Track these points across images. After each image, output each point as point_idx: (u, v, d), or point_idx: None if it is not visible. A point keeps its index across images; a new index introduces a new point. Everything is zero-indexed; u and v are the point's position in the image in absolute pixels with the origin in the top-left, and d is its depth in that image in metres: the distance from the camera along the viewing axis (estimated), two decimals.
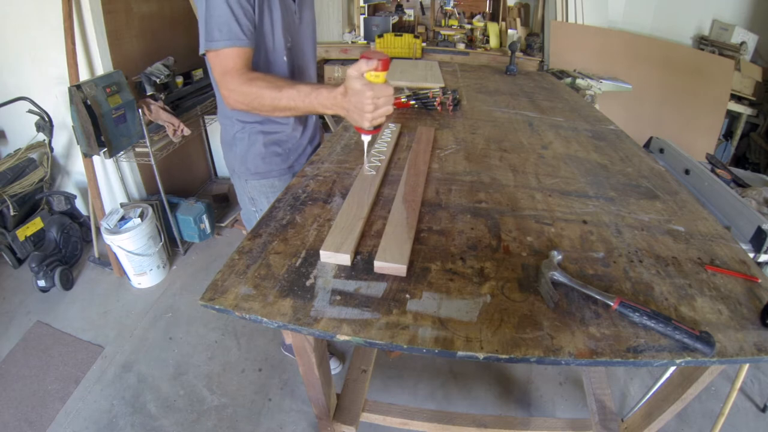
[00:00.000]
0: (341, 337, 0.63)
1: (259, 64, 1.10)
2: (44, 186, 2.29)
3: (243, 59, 0.98)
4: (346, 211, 0.90)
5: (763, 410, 1.68)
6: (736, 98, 3.20)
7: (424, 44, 3.08)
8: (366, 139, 0.98)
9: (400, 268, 0.75)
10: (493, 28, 3.17)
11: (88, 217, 2.41)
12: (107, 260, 2.34)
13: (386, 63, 0.85)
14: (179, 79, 2.47)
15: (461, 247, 0.82)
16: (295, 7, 1.16)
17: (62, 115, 2.25)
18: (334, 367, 1.82)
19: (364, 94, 0.84)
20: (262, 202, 1.29)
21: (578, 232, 0.89)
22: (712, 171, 1.68)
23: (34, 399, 1.68)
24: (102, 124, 1.94)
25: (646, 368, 1.79)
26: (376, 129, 0.94)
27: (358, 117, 0.88)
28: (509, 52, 2.39)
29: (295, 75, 1.22)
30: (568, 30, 3.08)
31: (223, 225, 2.73)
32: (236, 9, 0.96)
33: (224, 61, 0.98)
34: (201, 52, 1.00)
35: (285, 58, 1.15)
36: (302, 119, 1.32)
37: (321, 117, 3.62)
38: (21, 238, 2.16)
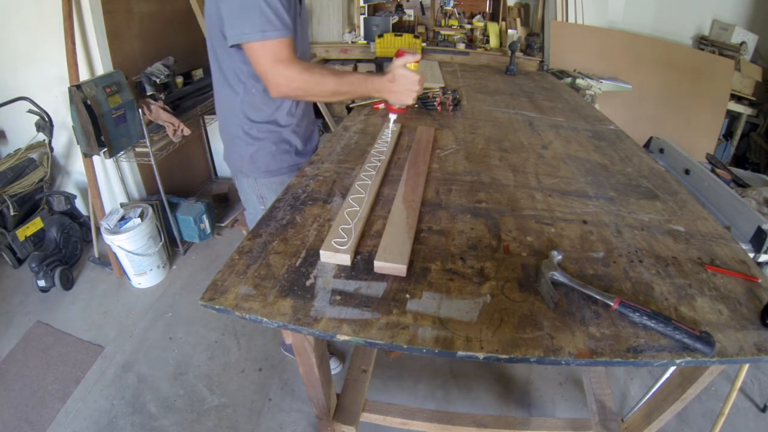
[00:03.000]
0: (341, 337, 0.63)
1: None
2: (44, 186, 2.29)
3: (292, 49, 1.04)
4: (346, 210, 0.90)
5: (763, 410, 1.68)
6: (736, 98, 3.20)
7: (424, 44, 3.08)
8: (393, 117, 1.18)
9: (400, 268, 0.74)
10: (493, 28, 3.17)
11: (88, 217, 2.41)
12: (107, 260, 2.34)
13: (418, 58, 1.10)
14: (179, 79, 2.47)
15: (461, 247, 0.82)
16: (300, 8, 1.19)
17: (62, 115, 2.25)
18: (334, 366, 1.82)
19: (413, 78, 1.05)
20: (272, 198, 1.30)
21: (578, 232, 0.89)
22: (712, 171, 1.68)
23: (34, 399, 1.68)
24: (102, 124, 1.94)
25: (646, 368, 1.79)
26: (404, 108, 1.15)
27: (405, 97, 1.08)
28: (509, 52, 2.39)
29: None
30: (568, 30, 3.08)
31: (223, 225, 2.73)
32: (285, 3, 1.02)
33: (277, 51, 1.01)
34: (244, 41, 1.00)
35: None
36: (305, 114, 1.34)
37: (320, 116, 3.64)
38: (21, 238, 2.16)
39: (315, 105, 3.92)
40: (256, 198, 1.34)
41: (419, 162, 1.15)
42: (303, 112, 1.31)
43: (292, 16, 1.08)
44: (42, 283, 2.14)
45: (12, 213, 2.10)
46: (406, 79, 1.06)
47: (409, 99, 1.08)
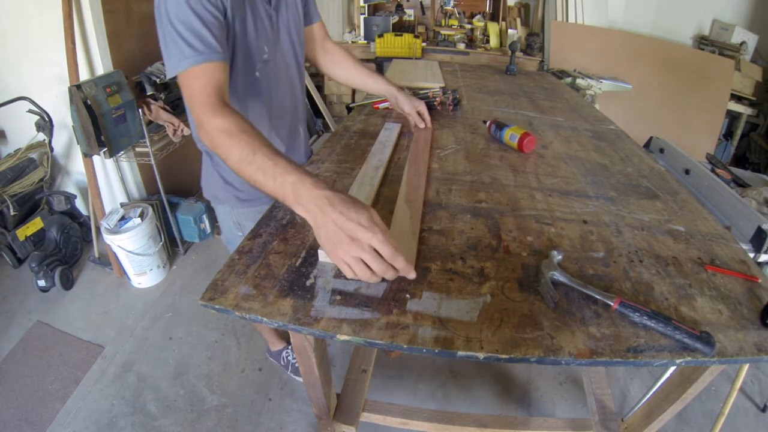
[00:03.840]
0: (341, 337, 0.63)
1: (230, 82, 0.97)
2: (44, 186, 2.29)
3: (216, 79, 0.82)
4: None
5: (763, 410, 1.68)
6: (736, 98, 3.20)
7: (424, 44, 3.08)
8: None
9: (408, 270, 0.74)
10: (493, 28, 3.17)
11: (88, 216, 2.41)
12: (107, 260, 2.34)
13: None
14: None
15: (461, 247, 0.82)
16: (270, 10, 1.02)
17: (62, 115, 2.25)
18: None
19: (361, 216, 0.59)
20: (250, 227, 0.92)
21: (578, 232, 0.89)
22: (712, 171, 1.68)
23: (34, 399, 1.68)
24: (102, 124, 1.94)
25: (646, 368, 1.79)
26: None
27: (326, 247, 0.64)
28: (509, 51, 2.39)
29: (272, 92, 1.08)
30: (568, 30, 3.08)
31: None
32: (206, 17, 0.82)
33: (192, 80, 0.81)
34: (170, 75, 0.85)
35: (257, 74, 1.02)
36: (292, 139, 1.21)
37: (320, 116, 3.63)
38: (21, 238, 2.16)
39: (314, 106, 3.92)
40: (233, 225, 1.23)
41: (419, 162, 1.15)
42: (288, 137, 1.19)
43: (228, 32, 0.90)
44: (42, 283, 2.14)
45: (12, 213, 2.10)
46: (341, 224, 0.61)
47: (335, 253, 0.64)
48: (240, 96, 1.02)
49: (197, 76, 0.81)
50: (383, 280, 0.69)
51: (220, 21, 0.86)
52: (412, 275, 0.63)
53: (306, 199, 0.65)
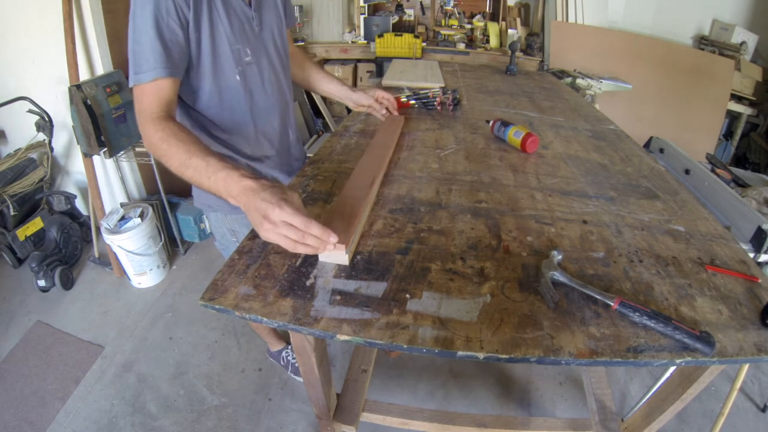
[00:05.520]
0: (341, 337, 0.63)
1: (205, 90, 0.99)
2: (44, 186, 2.29)
3: (163, 95, 0.87)
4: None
5: (763, 410, 1.68)
6: (736, 98, 3.20)
7: (424, 44, 3.08)
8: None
9: (340, 257, 0.75)
10: (493, 28, 3.17)
11: (88, 216, 2.41)
12: (107, 260, 2.34)
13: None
14: None
15: (461, 247, 0.82)
16: (251, 12, 1.01)
17: (62, 115, 2.26)
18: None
19: (267, 211, 0.65)
20: (244, 233, 0.95)
21: (578, 232, 0.89)
22: (712, 171, 1.68)
23: (34, 399, 1.68)
24: (102, 124, 1.94)
25: (646, 368, 1.79)
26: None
27: (255, 229, 0.70)
28: (509, 51, 2.39)
29: (255, 95, 1.07)
30: (568, 30, 3.08)
31: None
32: (165, 34, 0.85)
33: (141, 96, 0.86)
34: (130, 85, 0.89)
35: (238, 77, 1.01)
36: (282, 142, 1.21)
37: (320, 116, 3.63)
38: (21, 238, 2.16)
39: (314, 106, 3.90)
40: (227, 231, 1.22)
41: (376, 154, 1.12)
42: (278, 140, 1.19)
43: (194, 43, 0.91)
44: (42, 283, 2.14)
45: (12, 213, 2.10)
46: (262, 203, 0.67)
47: (260, 232, 0.68)
48: (220, 101, 1.02)
49: (147, 93, 0.86)
50: (384, 279, 0.69)
51: (179, 38, 0.88)
52: (333, 239, 0.69)
53: (236, 191, 0.72)
